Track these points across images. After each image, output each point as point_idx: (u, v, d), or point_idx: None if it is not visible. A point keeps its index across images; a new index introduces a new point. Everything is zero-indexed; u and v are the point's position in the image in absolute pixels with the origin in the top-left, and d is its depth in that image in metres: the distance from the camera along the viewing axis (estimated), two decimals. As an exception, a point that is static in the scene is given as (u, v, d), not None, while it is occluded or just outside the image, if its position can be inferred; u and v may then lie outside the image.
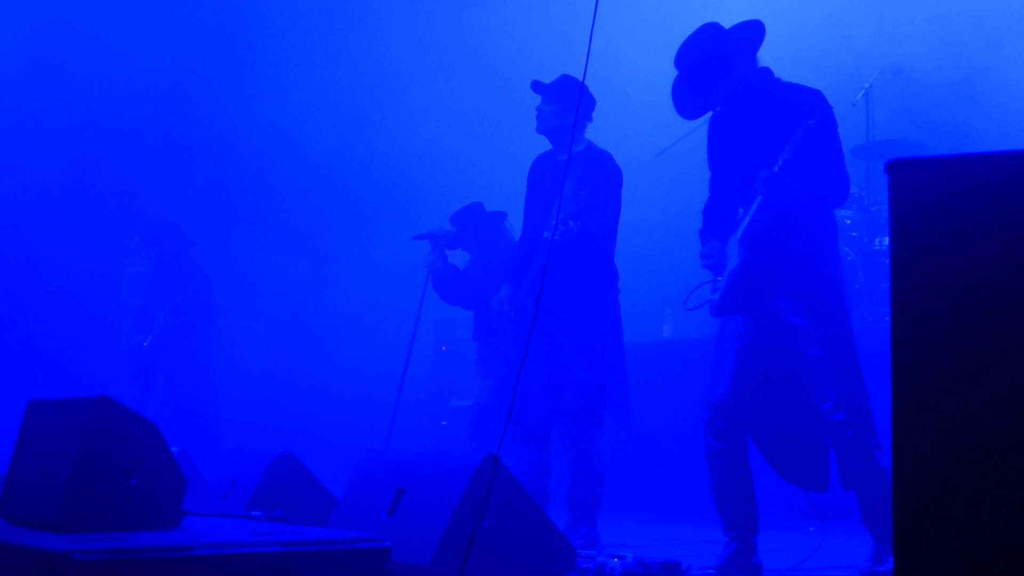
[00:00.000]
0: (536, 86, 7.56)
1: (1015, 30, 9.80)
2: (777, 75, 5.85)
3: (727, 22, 5.95)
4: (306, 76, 13.48)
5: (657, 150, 10.59)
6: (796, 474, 5.81)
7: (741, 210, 5.85)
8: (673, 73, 5.99)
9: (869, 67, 9.85)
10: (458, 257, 9.70)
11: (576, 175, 7.28)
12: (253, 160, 13.29)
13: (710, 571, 5.63)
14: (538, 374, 7.31)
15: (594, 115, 7.63)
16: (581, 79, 5.24)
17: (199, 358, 11.05)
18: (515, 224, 9.28)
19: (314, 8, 13.53)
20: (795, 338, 5.60)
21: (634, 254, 8.70)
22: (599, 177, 7.31)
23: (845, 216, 9.77)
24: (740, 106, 5.83)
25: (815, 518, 6.53)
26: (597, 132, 7.67)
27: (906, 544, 2.26)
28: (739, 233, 5.69)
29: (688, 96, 5.94)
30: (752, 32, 5.83)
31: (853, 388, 5.57)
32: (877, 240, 10.05)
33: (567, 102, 7.41)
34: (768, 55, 5.87)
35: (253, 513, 4.96)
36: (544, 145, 7.71)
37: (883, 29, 10.18)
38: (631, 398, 7.41)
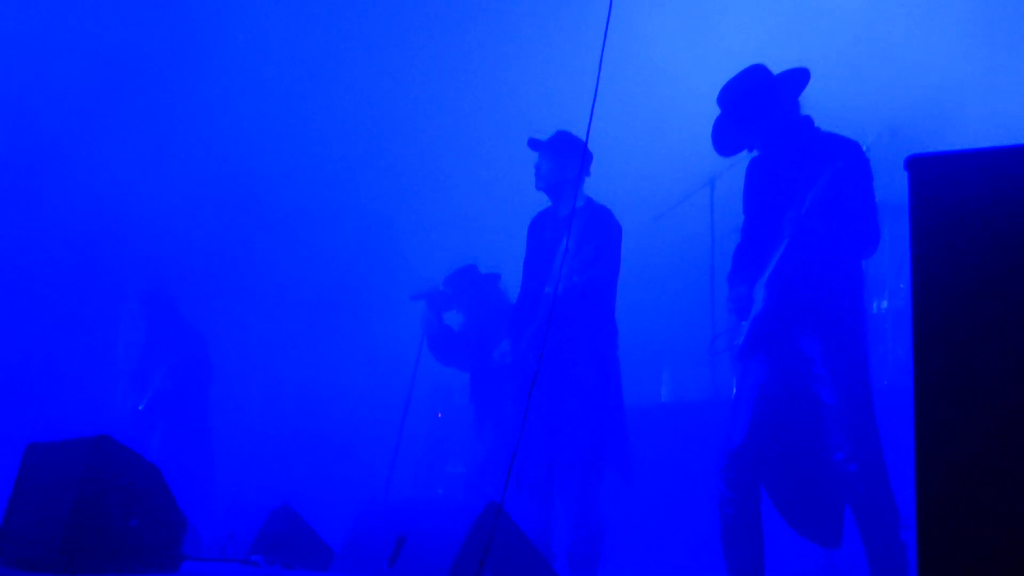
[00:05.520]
0: (533, 143, 7.58)
1: (1012, 94, 9.86)
2: (817, 124, 5.89)
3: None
4: (297, 135, 13.47)
5: (656, 213, 10.58)
6: (809, 528, 5.75)
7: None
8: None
9: (866, 127, 9.88)
10: (453, 319, 9.68)
11: (577, 230, 7.28)
12: (247, 221, 13.26)
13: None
14: (539, 429, 7.26)
15: (593, 178, 7.64)
16: (584, 138, 5.26)
17: (195, 420, 10.97)
18: (509, 285, 9.29)
19: (303, 66, 13.54)
20: (814, 386, 5.57)
21: (632, 317, 8.67)
22: (600, 232, 7.32)
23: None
24: (778, 152, 5.86)
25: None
26: (596, 195, 7.67)
27: (929, 553, 2.23)
28: (765, 277, 5.69)
29: (726, 133, 5.98)
30: (796, 78, 5.88)
31: (868, 443, 5.52)
32: (875, 303, 10.02)
33: (565, 158, 7.43)
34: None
35: (253, 558, 4.90)
36: (542, 202, 7.73)
37: (880, 90, 10.24)
38: (632, 454, 7.35)
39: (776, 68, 6.03)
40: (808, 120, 5.91)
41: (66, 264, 12.66)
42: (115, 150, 12.84)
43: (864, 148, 9.80)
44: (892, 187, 10.15)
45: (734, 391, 9.38)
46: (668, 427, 9.59)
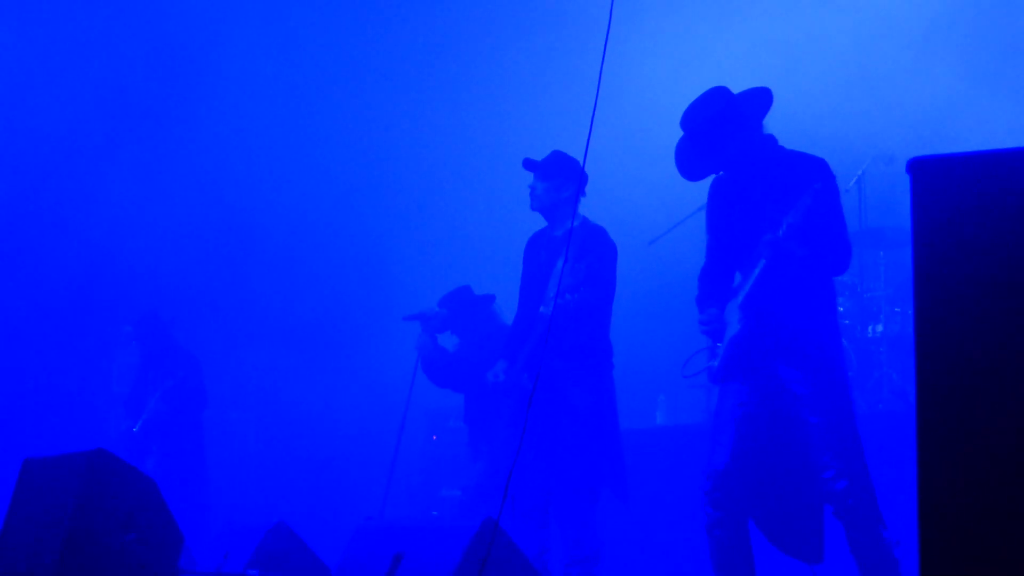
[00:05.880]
0: (528, 164, 7.59)
1: (1009, 121, 9.89)
2: (781, 143, 5.89)
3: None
4: (291, 156, 13.48)
5: (651, 237, 10.60)
6: (792, 544, 5.76)
7: (739, 276, 5.85)
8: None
9: (862, 155, 9.94)
10: (447, 340, 9.67)
11: (572, 250, 7.28)
12: (240, 243, 13.26)
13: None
14: (535, 451, 7.25)
15: (588, 201, 7.65)
16: (582, 158, 5.27)
17: (189, 444, 10.95)
18: (504, 307, 9.29)
19: (296, 88, 13.56)
20: (795, 406, 5.58)
21: (627, 341, 8.68)
22: (595, 252, 7.32)
23: (839, 303, 9.78)
24: (743, 172, 5.84)
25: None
26: (592, 217, 7.68)
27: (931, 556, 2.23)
28: (740, 299, 5.68)
29: (692, 158, 5.95)
30: (759, 99, 5.87)
31: (853, 457, 5.54)
32: (870, 327, 10.05)
33: (560, 178, 7.45)
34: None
35: (250, 572, 4.89)
36: (538, 223, 7.74)
37: (876, 118, 10.28)
38: (628, 476, 7.34)
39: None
40: (772, 139, 5.90)
41: (60, 288, 12.66)
42: (111, 175, 12.86)
43: (859, 172, 9.94)
44: (888, 214, 10.26)
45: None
46: (663, 450, 9.59)
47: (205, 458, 11.14)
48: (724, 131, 5.79)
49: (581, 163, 5.43)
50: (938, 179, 2.20)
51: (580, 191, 7.44)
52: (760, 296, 5.63)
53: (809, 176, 5.60)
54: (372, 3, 13.38)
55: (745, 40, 11.41)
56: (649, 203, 11.03)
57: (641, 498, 8.53)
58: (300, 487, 12.46)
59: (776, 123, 6.06)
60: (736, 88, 6.01)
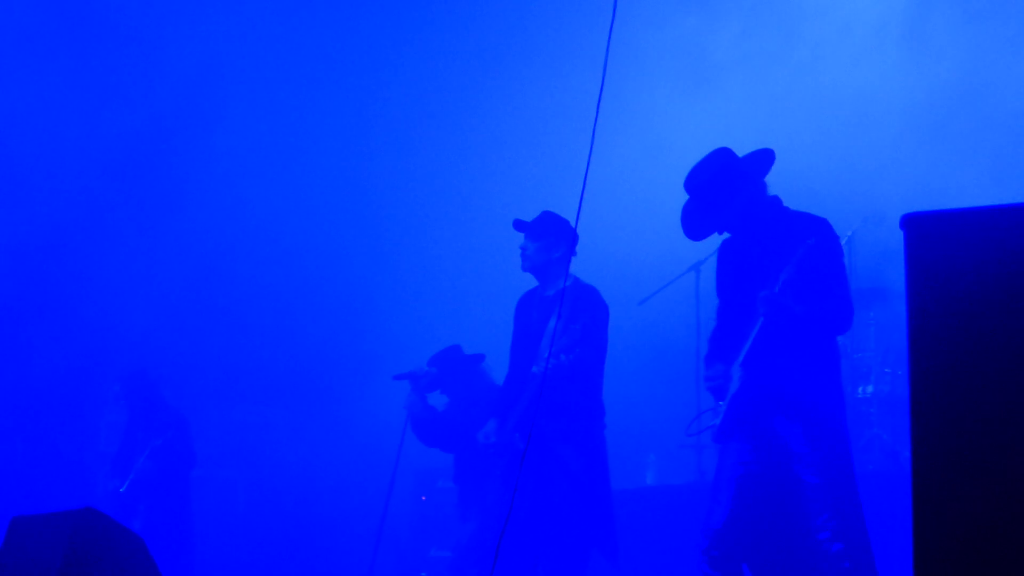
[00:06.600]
0: (518, 224, 7.61)
1: (997, 179, 9.95)
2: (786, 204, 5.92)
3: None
4: (279, 211, 13.45)
5: (641, 298, 10.62)
6: None
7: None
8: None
9: (852, 215, 9.98)
10: (436, 399, 9.65)
11: (564, 310, 7.28)
12: (229, 302, 13.23)
13: None
14: (525, 509, 7.21)
15: (579, 260, 7.66)
16: (574, 217, 5.29)
17: (176, 503, 10.88)
18: (493, 366, 9.28)
19: (282, 133, 13.57)
20: (795, 465, 5.56)
21: (617, 401, 8.68)
22: (587, 312, 7.33)
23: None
24: (749, 233, 5.87)
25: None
26: (582, 277, 7.69)
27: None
28: (741, 357, 5.69)
29: (695, 218, 5.99)
30: (762, 159, 5.91)
31: (851, 518, 5.51)
32: (860, 388, 10.04)
33: (550, 239, 7.47)
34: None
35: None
36: (528, 283, 7.75)
37: (866, 177, 10.33)
38: (618, 536, 7.31)
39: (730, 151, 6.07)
40: (776, 200, 5.93)
41: (48, 346, 12.61)
42: (97, 229, 12.85)
43: (849, 233, 9.96)
44: (879, 273, 10.29)
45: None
46: (653, 510, 9.56)
47: (192, 518, 11.08)
48: (725, 190, 5.83)
49: (572, 223, 5.45)
50: (932, 235, 2.21)
51: (571, 251, 7.45)
52: (760, 353, 5.64)
53: (806, 233, 5.62)
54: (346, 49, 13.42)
55: (736, 97, 11.48)
56: (640, 263, 11.05)
57: (631, 558, 8.49)
58: (289, 547, 12.39)
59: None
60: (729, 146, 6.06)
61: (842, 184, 10.17)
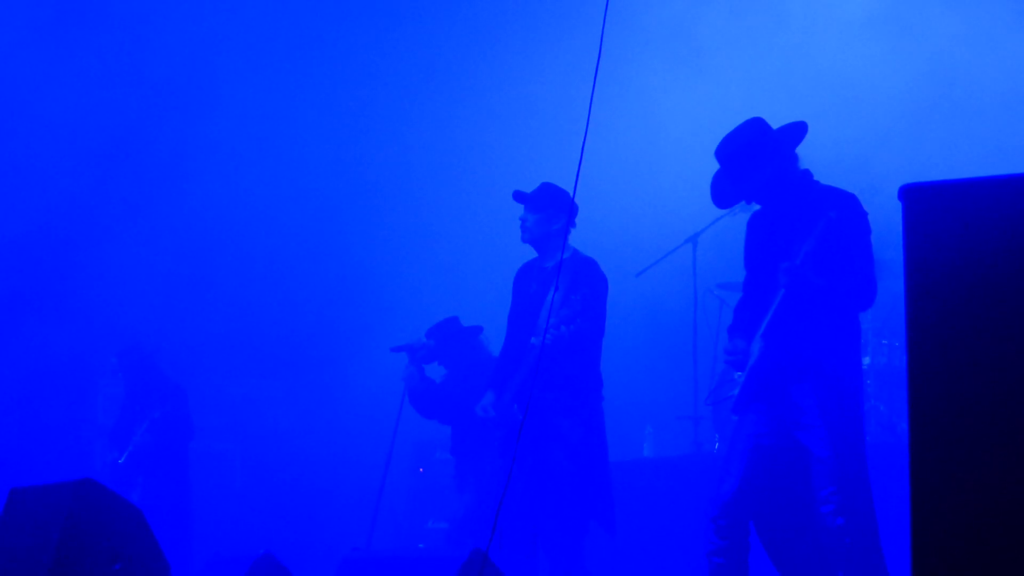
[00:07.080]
0: (518, 196, 7.59)
1: (992, 150, 9.93)
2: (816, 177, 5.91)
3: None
4: (277, 186, 13.40)
5: (638, 269, 10.61)
6: None
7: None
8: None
9: (848, 188, 9.96)
10: (434, 371, 9.66)
11: (563, 282, 7.28)
12: (225, 273, 13.20)
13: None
14: (523, 481, 7.22)
15: (577, 232, 7.65)
16: (572, 189, 5.28)
17: (175, 475, 10.90)
18: (491, 338, 9.29)
19: (285, 116, 13.54)
20: (804, 437, 5.57)
21: (614, 373, 8.69)
22: (588, 284, 7.32)
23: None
24: (778, 206, 5.86)
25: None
26: (580, 249, 7.69)
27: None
28: (762, 328, 5.69)
29: (725, 186, 5.97)
30: (795, 131, 5.89)
31: (858, 494, 5.52)
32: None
33: (550, 210, 7.46)
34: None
35: (238, 603, 4.87)
36: (527, 254, 7.75)
37: (858, 154, 10.30)
38: (616, 507, 7.33)
39: (764, 122, 6.06)
40: (807, 173, 5.92)
41: (46, 318, 12.61)
42: (95, 206, 12.82)
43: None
44: (877, 246, 10.27)
45: (716, 444, 9.42)
46: (650, 482, 9.59)
47: (191, 489, 11.10)
48: (757, 160, 5.81)
49: (571, 195, 5.45)
50: (930, 206, 2.21)
51: (570, 223, 7.45)
52: (780, 325, 5.64)
53: (828, 205, 5.61)
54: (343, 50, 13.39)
55: (721, 79, 11.47)
56: (637, 234, 11.04)
57: (628, 530, 8.52)
58: (287, 518, 12.41)
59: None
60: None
61: (833, 163, 10.17)
